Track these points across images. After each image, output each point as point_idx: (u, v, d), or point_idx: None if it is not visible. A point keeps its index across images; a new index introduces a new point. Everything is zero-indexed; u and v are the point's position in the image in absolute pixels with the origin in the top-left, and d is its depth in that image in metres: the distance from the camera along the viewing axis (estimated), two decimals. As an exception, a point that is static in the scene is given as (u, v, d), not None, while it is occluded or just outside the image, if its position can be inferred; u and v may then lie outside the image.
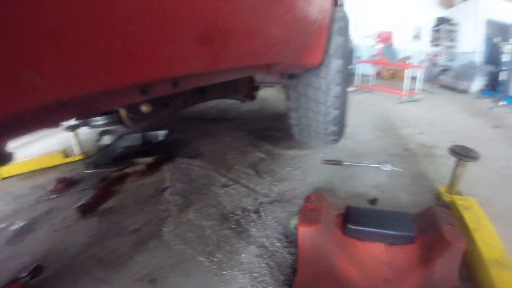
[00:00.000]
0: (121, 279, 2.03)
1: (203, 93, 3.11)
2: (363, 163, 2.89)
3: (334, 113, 2.90)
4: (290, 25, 1.81)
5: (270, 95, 5.47)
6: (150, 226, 2.47)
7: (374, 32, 10.58)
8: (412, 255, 1.75)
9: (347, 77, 3.04)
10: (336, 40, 2.69)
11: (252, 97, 3.71)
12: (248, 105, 5.06)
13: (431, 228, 1.78)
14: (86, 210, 2.81)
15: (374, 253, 1.82)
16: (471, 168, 2.29)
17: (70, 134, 4.17)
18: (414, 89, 6.19)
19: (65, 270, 2.24)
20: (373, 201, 2.40)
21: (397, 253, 1.79)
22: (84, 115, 1.53)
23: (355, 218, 1.91)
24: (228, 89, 3.48)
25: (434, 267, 1.61)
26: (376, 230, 1.81)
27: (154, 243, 2.27)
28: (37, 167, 4.23)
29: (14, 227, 2.93)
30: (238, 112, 5.03)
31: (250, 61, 1.73)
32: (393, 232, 1.79)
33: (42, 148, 4.88)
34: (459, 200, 2.16)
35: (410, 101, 5.81)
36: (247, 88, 3.57)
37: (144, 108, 2.36)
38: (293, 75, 2.88)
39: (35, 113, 0.87)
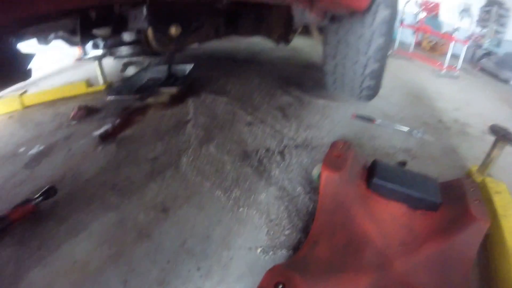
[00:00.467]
0: (132, 206, 1.99)
1: (235, 24, 2.93)
2: (395, 126, 2.72)
3: (374, 66, 2.69)
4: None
5: (303, 44, 5.21)
6: (168, 156, 2.40)
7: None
8: (433, 224, 1.62)
9: (392, 29, 2.81)
10: None
11: (286, 40, 3.46)
12: (280, 52, 4.85)
13: (457, 200, 1.64)
14: (105, 137, 2.77)
15: (395, 214, 1.70)
16: (507, 153, 2.09)
17: (94, 64, 4.09)
18: (454, 66, 5.84)
19: (78, 194, 2.22)
20: (403, 163, 2.24)
21: (418, 218, 1.67)
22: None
23: (382, 173, 1.76)
24: (263, 24, 3.28)
25: (453, 240, 1.49)
26: (401, 189, 1.68)
27: (170, 172, 2.21)
28: (59, 96, 4.20)
29: (33, 151, 2.95)
30: (269, 58, 4.81)
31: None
32: (418, 195, 1.66)
33: (67, 78, 4.85)
34: (490, 183, 1.97)
35: (449, 77, 5.49)
36: (283, 27, 3.34)
37: (173, 31, 2.22)
38: (335, 17, 2.67)
39: None
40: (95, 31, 2.56)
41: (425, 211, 1.67)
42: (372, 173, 1.78)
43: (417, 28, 7.70)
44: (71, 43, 2.95)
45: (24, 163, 2.81)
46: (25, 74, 1.70)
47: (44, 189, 2.16)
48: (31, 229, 2.02)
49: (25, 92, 4.20)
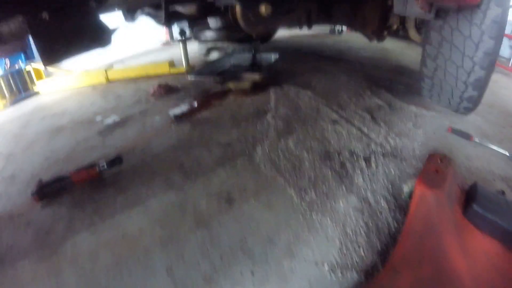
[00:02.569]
0: (196, 189, 1.87)
1: (329, 12, 2.74)
2: (494, 147, 2.36)
3: (480, 73, 2.36)
4: None
5: (393, 46, 4.91)
6: (242, 144, 2.28)
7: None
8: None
9: (503, 32, 2.47)
10: None
11: (380, 36, 3.19)
12: (369, 51, 4.59)
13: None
14: (181, 117, 2.75)
15: (490, 252, 1.41)
16: None
17: (179, 47, 4.17)
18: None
19: (143, 167, 2.19)
20: (501, 194, 1.89)
21: None
22: None
23: (482, 200, 1.48)
24: (357, 15, 3.06)
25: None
26: (502, 223, 1.40)
27: (242, 161, 2.08)
28: (142, 73, 4.36)
29: (109, 121, 3.02)
30: (357, 57, 4.55)
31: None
32: None
33: (152, 59, 5.01)
34: None
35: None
36: (377, 20, 3.08)
37: (263, 9, 2.07)
38: (442, 11, 2.38)
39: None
40: (179, 8, 2.50)
41: None
42: (471, 198, 1.50)
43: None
44: (158, 19, 2.95)
45: (98, 130, 2.91)
46: (105, 41, 1.74)
47: (111, 157, 2.19)
48: (90, 193, 2.04)
49: (111, 67, 4.39)
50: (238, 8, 2.38)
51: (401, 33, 3.31)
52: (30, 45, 2.04)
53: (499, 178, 2.02)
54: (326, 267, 1.34)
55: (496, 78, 4.52)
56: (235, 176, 1.94)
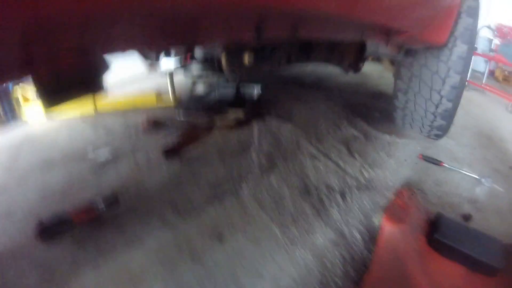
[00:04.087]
0: (190, 228, 2.01)
1: (307, 53, 2.94)
2: (463, 170, 2.56)
3: (447, 105, 2.56)
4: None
5: (372, 71, 5.08)
6: (229, 182, 2.42)
7: (494, 23, 9.25)
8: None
9: (468, 67, 2.68)
10: (464, 22, 2.33)
11: (356, 68, 3.41)
12: (348, 77, 4.72)
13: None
14: (170, 153, 2.86)
15: (453, 275, 1.59)
16: None
17: (165, 79, 4.27)
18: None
19: (139, 207, 2.30)
20: (467, 217, 2.08)
21: (476, 283, 1.55)
22: (187, 43, 1.45)
23: (444, 229, 1.68)
24: (334, 52, 3.26)
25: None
26: (462, 249, 1.59)
27: (230, 199, 2.22)
28: (130, 106, 4.42)
29: (101, 158, 3.09)
30: (336, 83, 4.75)
31: (381, 18, 1.53)
32: (478, 258, 1.56)
33: (138, 88, 5.08)
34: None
35: (525, 113, 5.09)
36: (354, 56, 3.31)
37: (247, 59, 2.27)
38: (411, 51, 2.60)
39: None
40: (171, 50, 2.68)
41: (484, 276, 1.56)
42: (435, 228, 1.70)
43: (491, 57, 7.14)
44: (146, 57, 3.11)
45: (91, 167, 2.96)
46: (100, 87, 1.86)
47: (109, 198, 2.26)
48: (91, 233, 2.10)
49: (99, 96, 4.45)
50: (223, 59, 2.58)
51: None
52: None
53: (467, 201, 2.20)
54: (309, 297, 1.51)
55: (470, 96, 4.73)
56: (224, 213, 2.08)
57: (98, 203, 2.21)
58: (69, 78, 1.74)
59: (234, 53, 2.34)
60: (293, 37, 1.34)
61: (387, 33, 1.92)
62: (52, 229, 2.11)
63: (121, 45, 0.96)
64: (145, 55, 2.98)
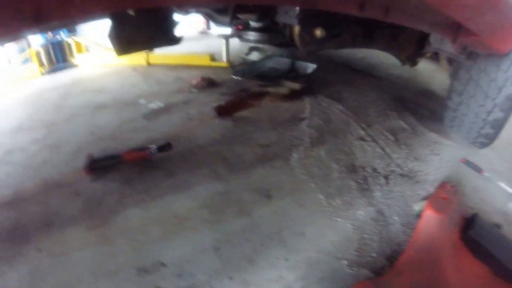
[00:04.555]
0: (239, 183, 2.10)
1: (371, 37, 2.94)
2: (501, 183, 2.55)
3: (498, 114, 2.52)
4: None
5: (423, 68, 4.96)
6: (280, 147, 2.49)
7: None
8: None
9: None
10: None
11: (413, 62, 3.39)
12: (399, 69, 4.61)
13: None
14: (222, 111, 2.94)
15: (478, 275, 1.62)
16: None
17: (221, 42, 4.32)
18: None
19: (189, 155, 2.40)
20: (497, 226, 2.09)
21: (497, 287, 1.58)
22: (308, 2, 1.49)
23: (478, 229, 1.71)
24: (396, 42, 3.25)
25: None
26: (492, 251, 1.61)
27: (280, 163, 2.30)
28: (183, 62, 4.51)
29: (153, 105, 3.20)
30: (387, 74, 4.67)
31: (461, 15, 1.55)
32: (505, 263, 1.58)
33: (189, 47, 5.11)
34: None
35: None
36: (413, 47, 3.28)
37: (319, 32, 2.31)
38: (474, 54, 2.56)
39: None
40: (242, 16, 2.73)
41: (507, 283, 1.58)
42: (470, 226, 1.73)
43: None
44: (215, 20, 3.16)
45: (143, 113, 3.07)
46: (175, 41, 1.92)
47: (162, 142, 2.35)
48: (139, 173, 2.21)
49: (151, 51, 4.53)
50: (296, 29, 2.61)
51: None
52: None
53: (499, 212, 2.20)
54: (345, 262, 1.59)
55: None
56: (273, 175, 2.17)
57: (150, 145, 2.29)
58: (146, 29, 1.82)
59: (309, 25, 2.37)
60: (383, 19, 1.38)
61: (457, 32, 1.92)
62: (101, 163, 2.23)
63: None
64: (213, 19, 3.02)
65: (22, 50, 4.53)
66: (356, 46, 3.03)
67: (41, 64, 4.43)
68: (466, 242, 1.70)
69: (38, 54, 4.40)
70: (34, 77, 4.32)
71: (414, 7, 1.36)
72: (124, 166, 2.25)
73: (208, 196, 1.99)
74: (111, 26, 1.64)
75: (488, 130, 2.66)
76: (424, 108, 3.44)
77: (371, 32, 2.95)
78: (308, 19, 2.34)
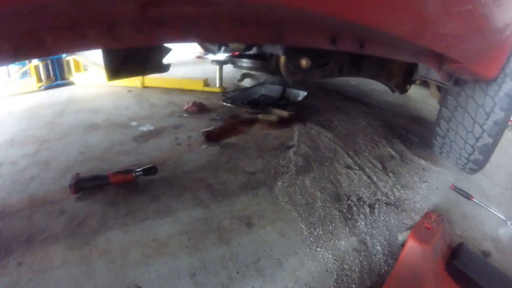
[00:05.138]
0: (221, 210, 2.09)
1: (358, 66, 2.99)
2: (491, 209, 2.54)
3: (487, 140, 2.53)
4: (484, 23, 1.62)
5: (415, 95, 5.03)
6: (265, 175, 2.50)
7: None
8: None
9: None
10: None
11: (403, 90, 3.41)
12: (390, 96, 4.77)
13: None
14: (210, 137, 2.96)
15: None
16: None
17: (213, 67, 4.40)
18: None
19: (175, 180, 2.39)
20: (486, 254, 2.07)
21: None
22: (274, 39, 1.52)
23: (464, 259, 1.68)
24: (384, 71, 3.30)
25: None
26: (477, 281, 1.58)
27: (263, 191, 2.29)
28: (177, 86, 4.61)
29: (143, 128, 3.24)
30: (378, 100, 4.75)
31: (439, 45, 1.57)
32: None
33: (185, 72, 5.20)
34: None
35: None
36: (402, 75, 3.32)
37: (304, 62, 2.34)
38: (460, 80, 2.59)
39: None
40: (232, 45, 2.78)
41: None
42: (455, 255, 1.71)
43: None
44: (204, 48, 3.22)
45: (133, 136, 3.10)
46: (164, 69, 1.95)
47: (147, 166, 2.36)
48: (124, 196, 2.21)
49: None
50: (282, 59, 2.65)
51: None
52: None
53: (489, 238, 2.19)
54: (324, 295, 1.56)
55: (511, 137, 4.60)
56: (256, 203, 2.16)
57: (136, 168, 2.32)
58: (136, 57, 1.85)
59: (294, 55, 2.41)
60: (358, 51, 1.40)
61: (440, 60, 1.94)
62: (87, 183, 2.23)
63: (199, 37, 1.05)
64: (207, 48, 3.08)
65: (22, 64, 4.62)
66: (343, 75, 3.08)
67: (39, 79, 4.51)
68: (451, 273, 1.67)
69: (37, 69, 4.47)
70: (31, 91, 4.40)
71: (390, 38, 1.38)
72: (109, 188, 2.26)
73: (189, 222, 1.98)
74: (102, 53, 1.67)
75: (477, 156, 2.67)
76: (414, 135, 3.46)
77: (358, 61, 2.99)
78: (293, 49, 2.37)
